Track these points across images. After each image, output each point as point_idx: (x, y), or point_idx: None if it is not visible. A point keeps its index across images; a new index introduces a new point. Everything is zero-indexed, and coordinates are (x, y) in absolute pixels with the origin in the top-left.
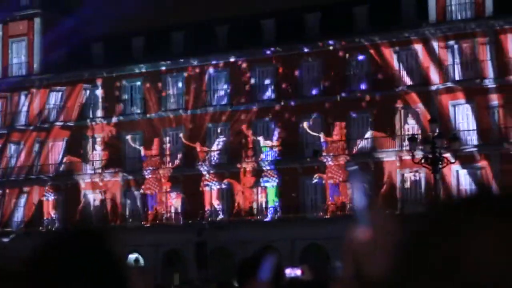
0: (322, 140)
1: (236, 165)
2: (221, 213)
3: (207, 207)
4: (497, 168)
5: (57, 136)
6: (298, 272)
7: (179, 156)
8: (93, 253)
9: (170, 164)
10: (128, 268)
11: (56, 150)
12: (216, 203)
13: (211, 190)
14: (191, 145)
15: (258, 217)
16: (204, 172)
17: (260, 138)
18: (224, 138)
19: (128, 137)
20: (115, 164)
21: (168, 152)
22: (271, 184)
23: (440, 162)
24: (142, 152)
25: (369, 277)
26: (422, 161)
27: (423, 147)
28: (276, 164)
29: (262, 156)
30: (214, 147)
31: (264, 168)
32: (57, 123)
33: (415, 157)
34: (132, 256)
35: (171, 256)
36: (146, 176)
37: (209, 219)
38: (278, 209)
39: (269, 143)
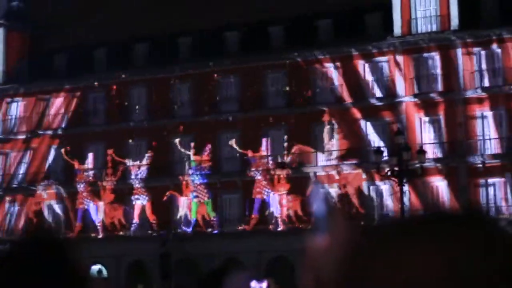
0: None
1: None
2: (186, 224)
3: (173, 218)
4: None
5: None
6: (264, 285)
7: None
8: (52, 263)
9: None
10: (89, 279)
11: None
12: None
13: (179, 201)
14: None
15: (224, 230)
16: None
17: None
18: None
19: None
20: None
21: None
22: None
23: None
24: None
25: (327, 285)
26: (389, 173)
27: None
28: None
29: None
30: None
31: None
32: (19, 136)
33: (380, 170)
34: (95, 267)
35: (135, 268)
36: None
37: (174, 231)
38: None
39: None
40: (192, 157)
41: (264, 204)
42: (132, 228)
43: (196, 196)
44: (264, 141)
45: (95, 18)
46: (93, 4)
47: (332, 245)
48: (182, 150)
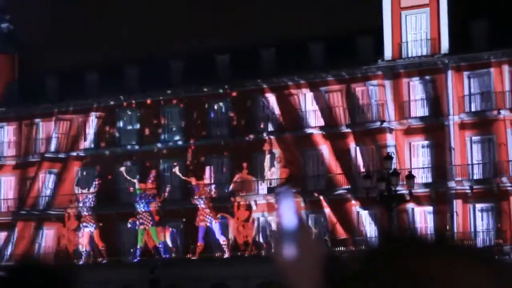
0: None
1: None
2: (174, 250)
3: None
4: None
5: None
6: None
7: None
8: None
9: None
10: None
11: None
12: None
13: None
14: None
15: (215, 254)
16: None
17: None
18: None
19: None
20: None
21: None
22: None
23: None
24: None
25: None
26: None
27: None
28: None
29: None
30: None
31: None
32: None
33: (369, 195)
34: None
35: None
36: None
37: (163, 256)
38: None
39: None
40: (137, 185)
41: (209, 232)
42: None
43: (142, 223)
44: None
45: (86, 41)
46: (83, 27)
47: (303, 258)
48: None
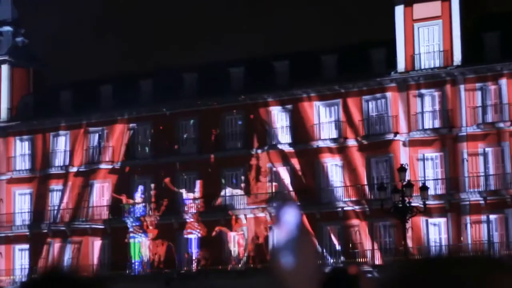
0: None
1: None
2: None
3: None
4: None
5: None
6: None
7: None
8: None
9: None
10: None
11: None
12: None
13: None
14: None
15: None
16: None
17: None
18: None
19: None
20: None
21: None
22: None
23: (409, 212)
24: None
25: None
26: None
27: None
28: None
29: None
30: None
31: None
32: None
33: (383, 207)
34: None
35: None
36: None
37: (178, 269)
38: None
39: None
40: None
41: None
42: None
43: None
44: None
45: (100, 54)
46: (96, 40)
47: (301, 267)
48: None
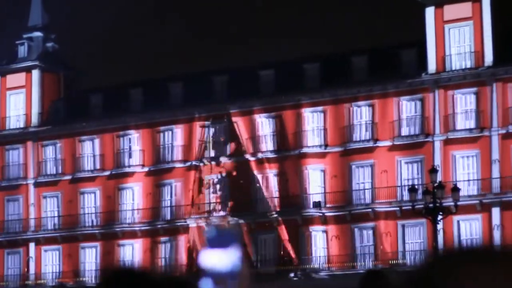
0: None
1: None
2: None
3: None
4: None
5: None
6: None
7: None
8: None
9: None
10: None
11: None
12: None
13: None
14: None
15: None
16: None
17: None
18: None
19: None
20: None
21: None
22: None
23: (441, 213)
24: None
25: None
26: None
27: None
28: None
29: None
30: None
31: None
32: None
33: (415, 208)
34: None
35: None
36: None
37: None
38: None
39: None
40: None
41: None
42: None
43: None
44: None
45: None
46: (127, 44)
47: None
48: None
